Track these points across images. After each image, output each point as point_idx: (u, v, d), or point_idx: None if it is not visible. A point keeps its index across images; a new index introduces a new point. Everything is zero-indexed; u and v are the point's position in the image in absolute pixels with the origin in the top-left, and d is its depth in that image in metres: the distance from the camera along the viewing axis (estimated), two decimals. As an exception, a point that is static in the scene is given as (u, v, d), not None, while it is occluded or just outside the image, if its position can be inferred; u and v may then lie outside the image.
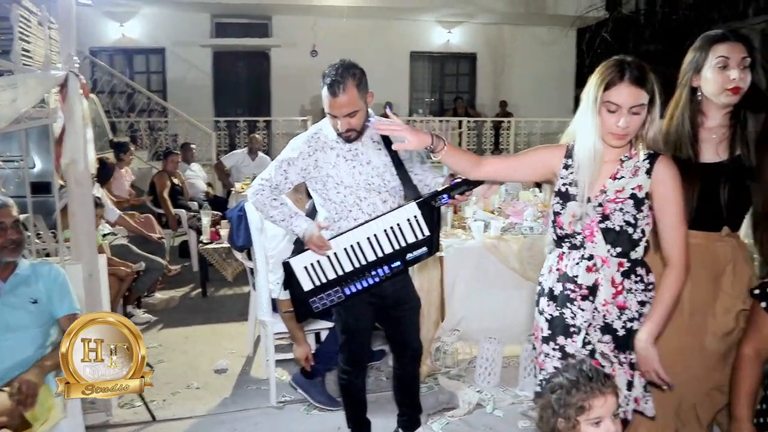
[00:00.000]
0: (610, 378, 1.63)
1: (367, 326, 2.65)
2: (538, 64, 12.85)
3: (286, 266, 2.44)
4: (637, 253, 1.90)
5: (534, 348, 2.13)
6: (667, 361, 1.91)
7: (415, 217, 2.41)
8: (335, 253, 2.41)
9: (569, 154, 1.97)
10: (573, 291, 1.94)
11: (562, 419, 1.53)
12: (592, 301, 1.91)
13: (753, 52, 1.99)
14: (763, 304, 1.86)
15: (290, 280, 2.45)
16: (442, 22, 12.64)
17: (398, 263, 2.44)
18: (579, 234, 1.92)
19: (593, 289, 1.91)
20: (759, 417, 1.91)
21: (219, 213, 6.13)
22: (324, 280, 2.44)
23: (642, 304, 1.91)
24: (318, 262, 2.43)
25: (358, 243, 2.41)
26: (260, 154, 7.91)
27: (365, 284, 2.45)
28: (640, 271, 1.92)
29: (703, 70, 2.02)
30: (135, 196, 6.43)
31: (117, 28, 11.32)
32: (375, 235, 2.41)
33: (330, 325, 3.28)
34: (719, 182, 2.00)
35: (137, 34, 11.45)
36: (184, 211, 6.39)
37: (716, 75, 1.98)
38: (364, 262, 2.42)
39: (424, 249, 2.45)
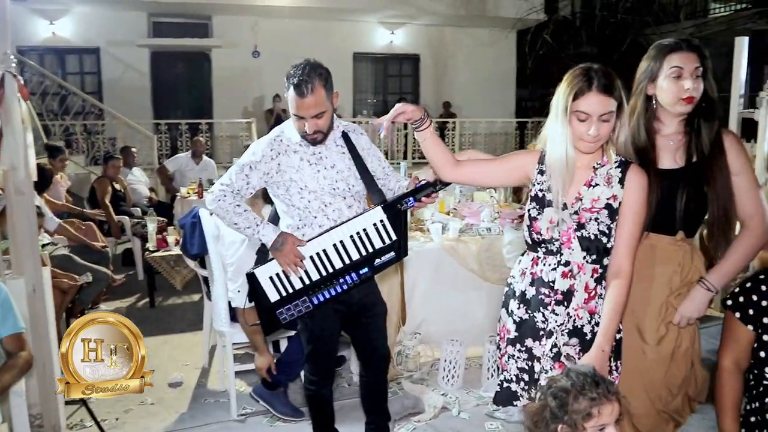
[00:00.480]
0: (614, 384, 1.62)
1: (334, 335, 2.58)
2: (480, 65, 13.06)
3: (251, 277, 2.35)
4: (609, 261, 1.92)
5: (498, 348, 2.12)
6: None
7: (382, 221, 2.36)
8: (301, 261, 2.34)
9: (543, 160, 1.98)
10: (548, 296, 1.93)
11: (566, 425, 1.50)
12: (566, 307, 1.92)
13: (705, 62, 2.03)
14: (738, 315, 1.90)
15: (255, 291, 2.36)
16: (384, 24, 12.66)
17: (366, 270, 2.39)
18: (557, 240, 1.92)
19: (568, 295, 1.92)
20: (749, 416, 1.93)
21: (165, 219, 5.90)
22: (290, 291, 2.36)
23: None
24: (284, 271, 2.35)
25: (324, 250, 2.34)
26: (204, 157, 7.70)
27: (333, 292, 2.38)
28: None
29: (658, 79, 2.04)
30: (72, 203, 6.13)
31: (47, 26, 10.83)
32: (341, 242, 2.35)
33: (290, 333, 3.19)
34: (677, 188, 2.03)
35: (69, 33, 10.98)
36: (127, 217, 6.12)
37: (671, 85, 2.01)
38: (331, 270, 2.36)
39: (392, 254, 2.41)
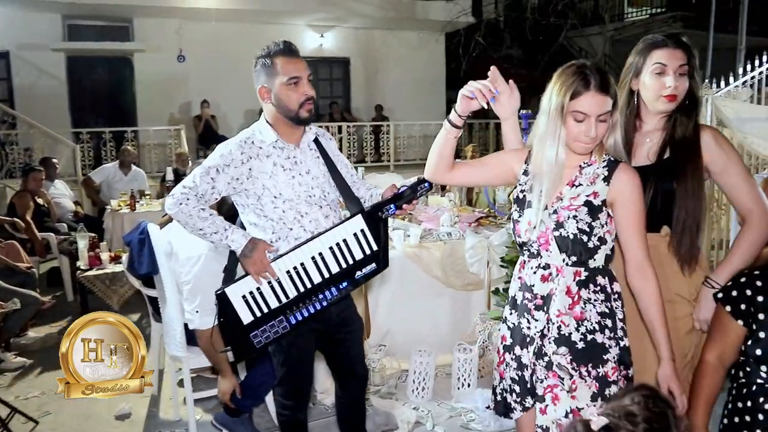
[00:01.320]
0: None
1: (311, 355, 2.40)
2: (411, 68, 13.05)
3: (221, 297, 2.13)
4: (596, 262, 1.83)
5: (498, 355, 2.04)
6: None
7: (362, 230, 2.22)
8: (277, 278, 2.15)
9: (528, 159, 1.92)
10: (530, 300, 1.89)
11: None
12: (546, 312, 1.85)
13: (692, 60, 1.99)
14: (728, 308, 1.85)
15: (225, 313, 2.14)
16: (314, 27, 12.44)
17: (346, 283, 2.23)
18: (534, 242, 1.87)
19: (547, 299, 1.85)
20: (732, 416, 1.89)
21: (95, 235, 5.49)
22: (266, 310, 2.16)
23: (603, 315, 1.83)
24: (258, 289, 2.15)
25: (302, 264, 2.16)
26: (133, 167, 7.28)
27: (312, 310, 2.20)
28: (601, 280, 1.84)
29: (641, 74, 2.01)
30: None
31: (-52, 29, 9.98)
32: (320, 254, 2.17)
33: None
34: (645, 184, 1.99)
35: (-27, 36, 10.15)
36: (52, 234, 5.66)
37: (652, 81, 1.98)
38: (309, 286, 2.18)
39: (373, 265, 2.26)
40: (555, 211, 1.83)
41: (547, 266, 1.85)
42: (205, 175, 2.15)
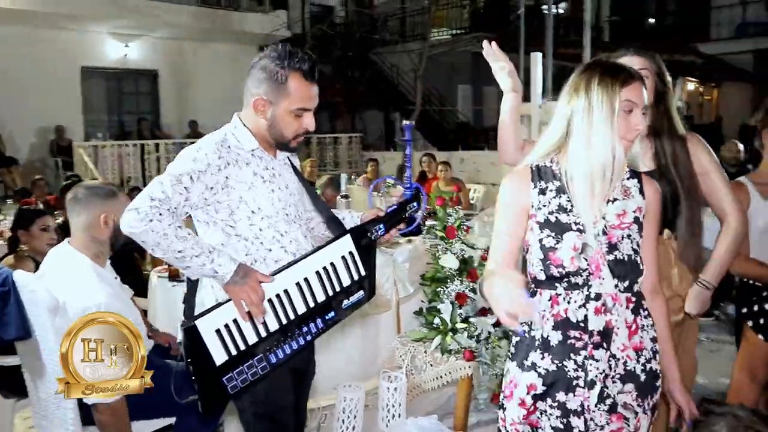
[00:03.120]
0: None
1: (293, 402, 1.99)
2: (224, 82, 12.34)
3: (190, 332, 1.66)
4: (639, 285, 1.68)
5: (502, 408, 1.73)
6: None
7: (350, 253, 1.92)
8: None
9: (538, 176, 1.67)
10: (579, 339, 1.61)
11: None
12: (607, 349, 1.62)
13: (651, 66, 2.10)
14: (750, 323, 1.84)
15: (193, 352, 1.68)
16: (117, 35, 11.28)
17: (332, 314, 1.89)
18: (584, 270, 1.60)
19: (606, 335, 1.61)
20: None
21: None
22: (243, 347, 1.73)
23: (654, 340, 1.69)
24: (235, 321, 1.72)
25: (285, 291, 1.78)
26: None
27: (295, 346, 1.82)
28: (645, 303, 1.70)
29: None
30: None
31: None
32: (306, 279, 1.82)
33: (164, 422, 2.41)
34: None
35: None
36: None
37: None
38: (293, 317, 1.80)
39: (361, 293, 1.96)
40: (603, 232, 1.61)
41: (598, 296, 1.61)
42: (177, 183, 1.73)
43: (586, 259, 1.59)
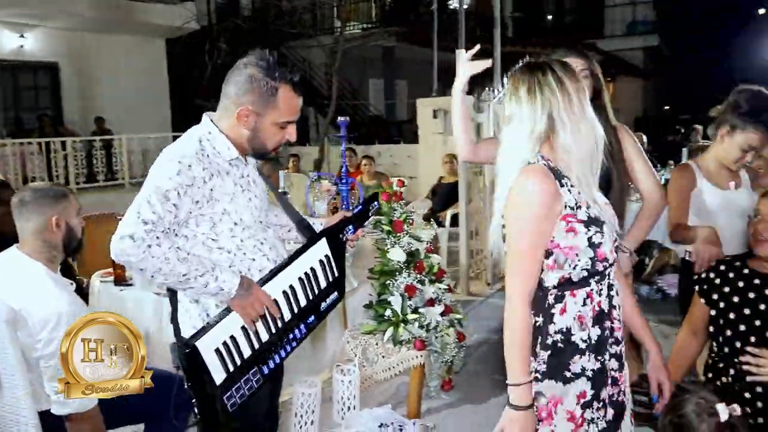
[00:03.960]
0: None
1: (268, 406, 2.03)
2: (132, 76, 11.88)
3: (192, 355, 1.63)
4: None
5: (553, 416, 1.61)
6: None
7: (327, 256, 1.95)
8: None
9: (553, 174, 1.56)
10: (610, 327, 1.64)
11: None
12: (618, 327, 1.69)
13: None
14: (696, 288, 2.07)
15: (194, 375, 1.66)
16: (10, 24, 10.53)
17: (313, 318, 1.94)
18: (611, 260, 1.62)
19: (618, 314, 1.68)
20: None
21: None
22: (239, 362, 1.72)
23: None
24: (232, 337, 1.71)
25: (275, 300, 1.80)
26: None
27: (283, 354, 1.86)
28: None
29: None
30: None
31: None
32: (291, 286, 1.84)
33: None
34: None
35: None
36: None
37: None
38: (281, 325, 1.82)
39: (336, 294, 2.02)
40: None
41: (611, 285, 1.64)
42: (165, 201, 1.66)
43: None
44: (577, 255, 1.53)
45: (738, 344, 1.95)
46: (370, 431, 3.09)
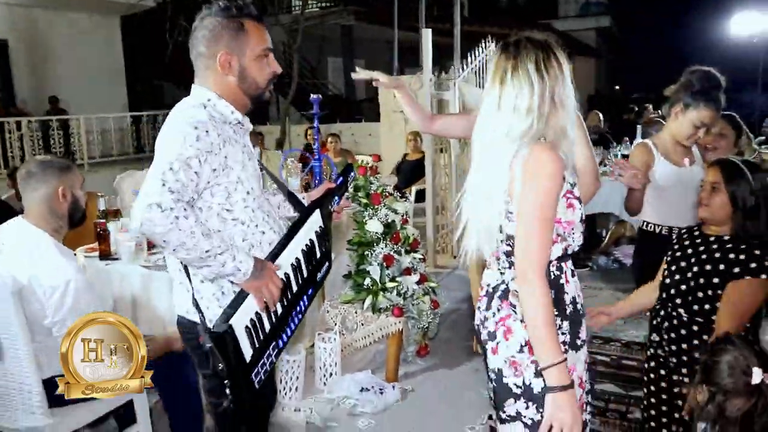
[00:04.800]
0: None
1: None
2: (86, 54, 11.56)
3: (224, 337, 1.58)
4: None
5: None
6: None
7: (321, 227, 2.02)
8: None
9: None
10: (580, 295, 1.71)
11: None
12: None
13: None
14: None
15: (228, 355, 1.62)
16: (-47, 0, 10.13)
17: (311, 288, 1.97)
18: None
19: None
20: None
21: None
22: (262, 337, 1.70)
23: None
24: (257, 314, 1.71)
25: (286, 274, 1.82)
26: None
27: (293, 326, 1.86)
28: None
29: None
30: None
31: None
32: (297, 259, 1.88)
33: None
34: None
35: None
36: None
37: None
38: (290, 297, 1.84)
39: (327, 264, 2.07)
40: None
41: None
42: (188, 168, 1.58)
43: None
44: (572, 230, 1.59)
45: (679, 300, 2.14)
46: (352, 395, 3.27)
